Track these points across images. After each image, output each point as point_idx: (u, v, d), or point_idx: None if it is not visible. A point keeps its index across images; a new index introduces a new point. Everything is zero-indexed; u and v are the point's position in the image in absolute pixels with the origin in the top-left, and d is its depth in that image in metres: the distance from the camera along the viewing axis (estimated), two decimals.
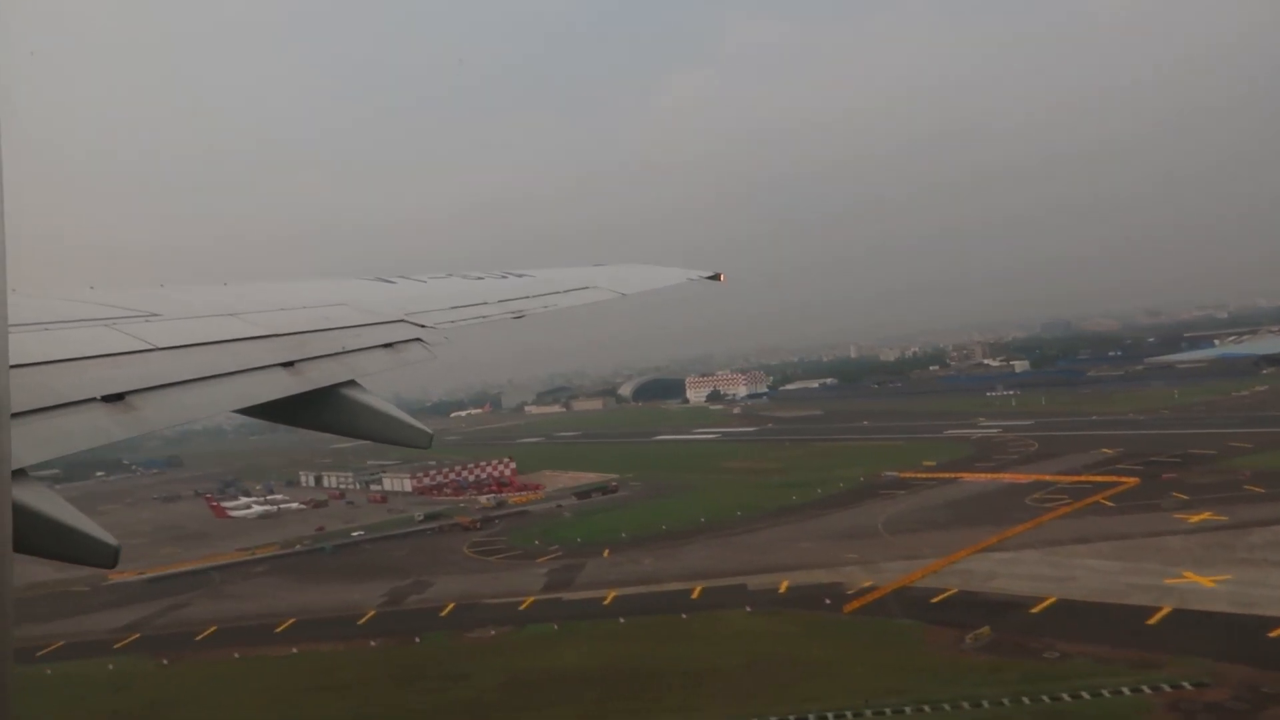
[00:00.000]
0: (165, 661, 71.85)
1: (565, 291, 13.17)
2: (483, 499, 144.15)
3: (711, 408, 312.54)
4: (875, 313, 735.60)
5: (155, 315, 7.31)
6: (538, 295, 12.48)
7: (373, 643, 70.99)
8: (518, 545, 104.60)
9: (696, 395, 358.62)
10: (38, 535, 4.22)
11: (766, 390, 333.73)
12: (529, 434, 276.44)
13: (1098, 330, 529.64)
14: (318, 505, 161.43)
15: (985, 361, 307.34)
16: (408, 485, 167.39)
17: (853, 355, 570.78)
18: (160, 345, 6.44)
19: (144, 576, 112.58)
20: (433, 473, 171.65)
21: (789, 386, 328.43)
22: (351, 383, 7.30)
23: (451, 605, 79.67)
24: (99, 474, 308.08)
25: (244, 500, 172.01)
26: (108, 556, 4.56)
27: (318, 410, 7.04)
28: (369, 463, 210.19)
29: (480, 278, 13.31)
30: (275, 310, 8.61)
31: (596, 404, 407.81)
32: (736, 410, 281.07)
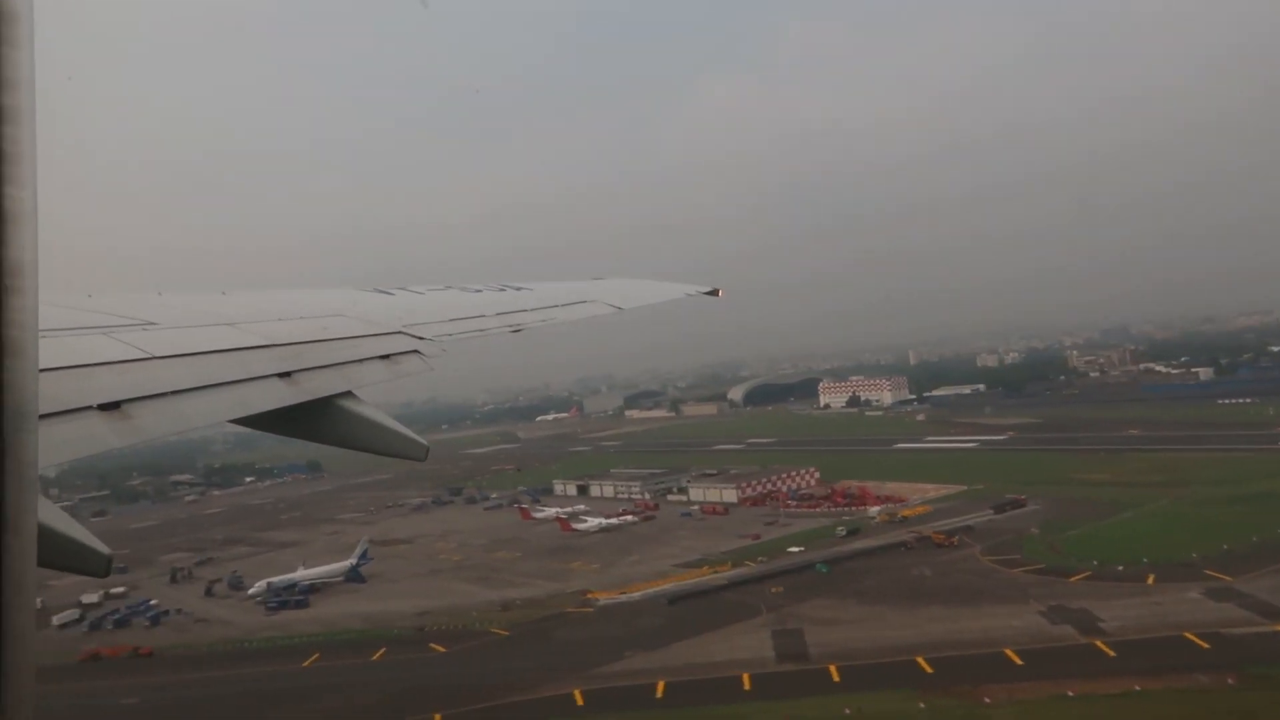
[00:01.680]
0: (986, 701, 65.77)
1: (563, 305, 13.16)
2: (872, 510, 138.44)
3: (869, 414, 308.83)
4: (877, 324, 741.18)
5: (152, 324, 7.24)
6: (535, 309, 12.49)
7: (1203, 678, 65.77)
8: (1062, 564, 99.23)
9: (832, 400, 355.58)
10: (41, 545, 4.35)
11: (914, 396, 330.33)
12: (715, 441, 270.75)
13: (1156, 337, 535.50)
14: (647, 519, 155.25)
15: (1152, 367, 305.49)
16: (732, 496, 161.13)
17: (911, 361, 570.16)
18: (157, 354, 6.28)
19: (630, 597, 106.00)
20: (753, 482, 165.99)
21: (937, 392, 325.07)
22: (348, 394, 7.19)
23: (1193, 636, 74.33)
24: (248, 479, 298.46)
25: (549, 512, 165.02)
26: (101, 565, 4.64)
27: (314, 421, 6.94)
28: (620, 470, 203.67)
29: (478, 290, 13.29)
30: (273, 320, 8.54)
31: (709, 409, 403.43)
32: (920, 417, 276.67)
